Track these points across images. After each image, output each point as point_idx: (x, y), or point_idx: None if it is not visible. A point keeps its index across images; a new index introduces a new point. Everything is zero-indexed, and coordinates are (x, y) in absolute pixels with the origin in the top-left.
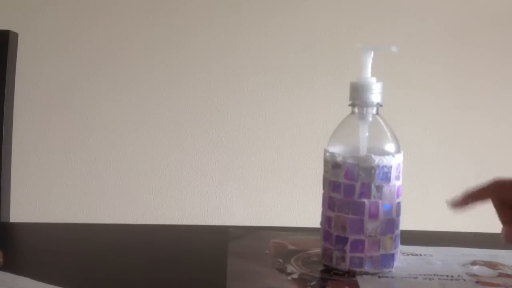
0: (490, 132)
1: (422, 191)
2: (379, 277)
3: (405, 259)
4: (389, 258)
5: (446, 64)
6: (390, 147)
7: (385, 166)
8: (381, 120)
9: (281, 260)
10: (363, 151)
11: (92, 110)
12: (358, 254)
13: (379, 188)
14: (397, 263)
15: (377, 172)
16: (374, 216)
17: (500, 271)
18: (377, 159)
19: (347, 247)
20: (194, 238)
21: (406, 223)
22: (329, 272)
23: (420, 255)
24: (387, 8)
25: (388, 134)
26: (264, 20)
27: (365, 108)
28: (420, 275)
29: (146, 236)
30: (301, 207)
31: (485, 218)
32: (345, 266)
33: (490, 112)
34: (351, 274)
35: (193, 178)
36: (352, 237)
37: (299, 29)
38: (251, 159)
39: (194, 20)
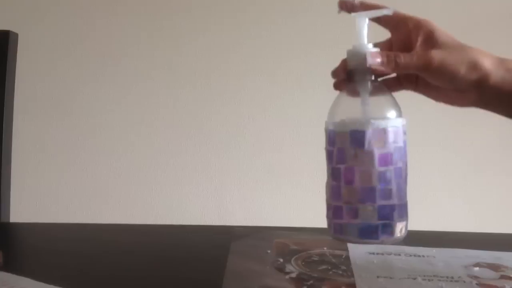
0: (490, 132)
1: (424, 191)
2: (378, 277)
3: (406, 259)
4: (371, 229)
5: None
6: (383, 112)
7: (357, 131)
8: (379, 86)
9: (281, 260)
10: (362, 117)
11: (92, 110)
12: (339, 221)
13: (353, 154)
14: (395, 237)
15: (350, 137)
16: (349, 182)
17: (502, 273)
18: (351, 124)
19: (330, 214)
20: (196, 238)
21: (409, 223)
22: (327, 271)
23: (423, 256)
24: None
25: (383, 100)
26: (264, 20)
27: (363, 75)
28: (419, 276)
29: (146, 236)
30: (301, 207)
31: (489, 219)
32: (331, 233)
33: (490, 112)
34: (349, 274)
35: (193, 178)
36: (333, 203)
37: (299, 29)
38: (251, 160)
39: (194, 21)
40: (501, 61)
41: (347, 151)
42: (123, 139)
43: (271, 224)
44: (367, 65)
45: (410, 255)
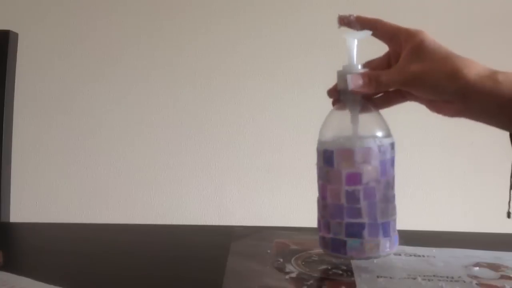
0: (490, 132)
1: (424, 191)
2: (378, 277)
3: (406, 259)
4: (340, 244)
5: None
6: (361, 133)
7: (327, 151)
8: (367, 106)
9: (281, 260)
10: (332, 138)
11: (92, 110)
12: (320, 233)
13: (326, 172)
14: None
15: (323, 156)
16: (324, 198)
17: (502, 273)
18: (324, 144)
19: (317, 225)
20: (196, 238)
21: (409, 223)
22: (327, 271)
23: (423, 256)
24: (386, 9)
25: (364, 121)
26: (264, 20)
27: (350, 95)
28: (419, 276)
29: (146, 236)
30: (301, 207)
31: (489, 219)
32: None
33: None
34: (349, 274)
35: (193, 178)
36: (318, 216)
37: (299, 30)
38: (251, 160)
39: (194, 21)
40: (491, 73)
41: (322, 168)
42: (123, 139)
43: (271, 224)
44: (349, 89)
45: (410, 255)
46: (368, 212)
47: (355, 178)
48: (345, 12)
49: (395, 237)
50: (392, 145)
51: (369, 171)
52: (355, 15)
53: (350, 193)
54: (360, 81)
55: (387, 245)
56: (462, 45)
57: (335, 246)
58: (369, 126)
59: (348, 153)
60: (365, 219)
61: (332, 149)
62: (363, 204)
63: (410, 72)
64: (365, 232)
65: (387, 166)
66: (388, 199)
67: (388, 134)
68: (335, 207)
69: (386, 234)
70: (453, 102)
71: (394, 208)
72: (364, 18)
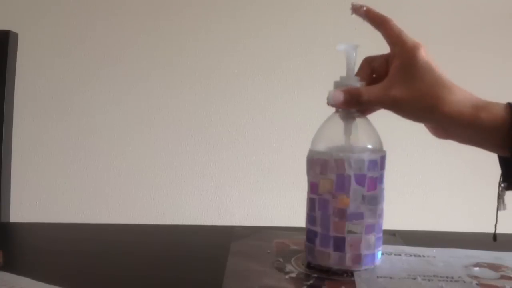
0: None
1: (424, 191)
2: (378, 277)
3: (406, 259)
4: (306, 247)
5: (444, 64)
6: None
7: (307, 159)
8: (358, 119)
9: (281, 260)
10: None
11: (92, 110)
12: None
13: (307, 179)
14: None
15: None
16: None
17: (502, 273)
18: (308, 153)
19: None
20: (196, 238)
21: (410, 223)
22: (327, 271)
23: (423, 256)
24: (386, 9)
25: (346, 133)
26: (264, 20)
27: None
28: (419, 276)
29: (146, 236)
30: (301, 207)
31: (489, 219)
32: None
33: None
34: (349, 274)
35: (193, 178)
36: None
37: (299, 30)
38: (251, 160)
39: (194, 21)
40: (473, 106)
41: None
42: (123, 139)
43: (271, 224)
44: (330, 105)
45: (410, 255)
46: (321, 222)
47: (314, 187)
48: (355, 4)
49: (364, 255)
50: (364, 162)
51: (324, 183)
52: (365, 8)
53: (310, 200)
54: (341, 98)
55: (338, 259)
56: (460, 46)
57: (307, 252)
58: (350, 139)
59: (310, 162)
60: (318, 228)
61: (309, 158)
62: (317, 213)
63: (391, 96)
64: (317, 241)
65: (347, 182)
66: (349, 215)
67: (371, 150)
68: (306, 212)
69: (339, 248)
70: (437, 128)
71: (359, 226)
72: (372, 14)
